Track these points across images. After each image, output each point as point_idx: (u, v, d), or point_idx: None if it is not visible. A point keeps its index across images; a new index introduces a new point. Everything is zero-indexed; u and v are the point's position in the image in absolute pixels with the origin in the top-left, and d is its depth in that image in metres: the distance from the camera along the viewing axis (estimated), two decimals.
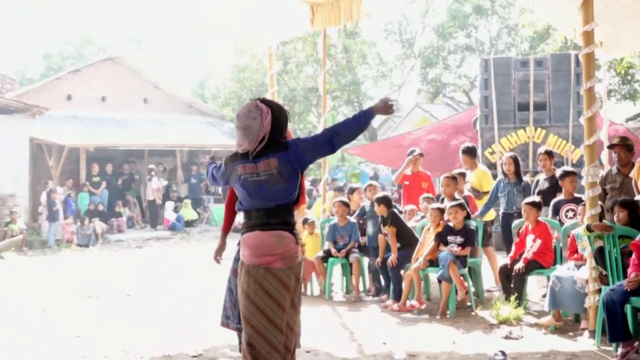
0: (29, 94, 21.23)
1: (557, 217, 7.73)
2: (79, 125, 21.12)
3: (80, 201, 19.20)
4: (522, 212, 7.58)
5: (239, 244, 4.67)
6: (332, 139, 4.27)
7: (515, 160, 8.87)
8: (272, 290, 4.20)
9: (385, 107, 4.38)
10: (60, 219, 17.80)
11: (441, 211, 8.06)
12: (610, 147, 7.77)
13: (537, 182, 8.69)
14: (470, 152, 9.71)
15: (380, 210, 8.38)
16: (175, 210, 20.50)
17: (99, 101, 22.92)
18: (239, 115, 4.38)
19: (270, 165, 4.25)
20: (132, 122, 22.64)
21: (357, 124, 4.30)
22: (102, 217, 18.84)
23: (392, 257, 8.15)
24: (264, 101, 4.44)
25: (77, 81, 22.69)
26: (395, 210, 8.53)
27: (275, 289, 4.22)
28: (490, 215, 9.17)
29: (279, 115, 4.40)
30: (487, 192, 9.17)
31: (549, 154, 8.69)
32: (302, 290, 9.10)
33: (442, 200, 8.59)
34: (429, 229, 8.12)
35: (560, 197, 7.88)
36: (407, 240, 8.22)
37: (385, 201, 8.44)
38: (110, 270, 12.34)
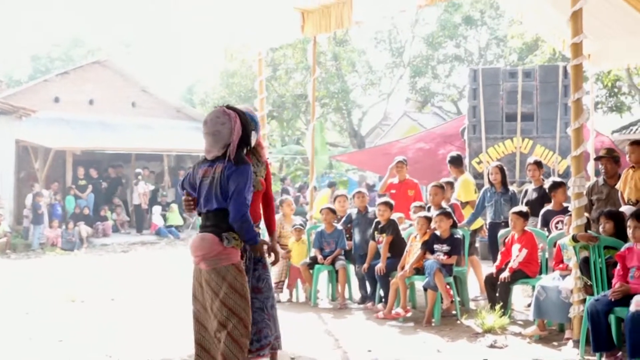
0: (16, 96, 21.10)
1: (547, 228, 7.75)
2: (66, 128, 21.02)
3: (66, 205, 19.10)
4: (509, 222, 7.61)
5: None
6: (244, 211, 4.51)
7: (501, 169, 8.93)
8: (204, 287, 4.65)
9: (261, 252, 4.94)
10: (45, 222, 17.69)
11: (428, 220, 8.08)
12: (597, 159, 7.84)
13: (526, 191, 8.72)
14: (455, 162, 9.74)
15: (384, 216, 8.36)
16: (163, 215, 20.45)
17: (87, 104, 22.82)
18: (207, 121, 4.67)
19: (216, 171, 4.58)
20: (120, 125, 22.57)
21: (244, 233, 4.61)
22: (88, 221, 18.76)
23: (381, 265, 8.15)
24: (231, 107, 4.69)
25: (65, 84, 22.58)
26: (395, 219, 8.53)
27: (205, 290, 4.64)
28: (477, 224, 9.21)
29: (245, 122, 4.73)
30: (468, 202, 9.23)
31: (538, 164, 8.74)
32: (289, 297, 9.15)
33: (429, 208, 8.62)
34: (415, 237, 8.14)
35: (550, 207, 7.90)
36: (398, 250, 8.23)
37: (391, 208, 8.46)
38: (95, 274, 12.27)
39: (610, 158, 7.59)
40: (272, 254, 5.26)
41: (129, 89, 23.88)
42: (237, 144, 4.62)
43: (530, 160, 8.91)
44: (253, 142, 4.91)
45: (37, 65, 39.23)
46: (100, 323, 7.79)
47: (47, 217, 17.86)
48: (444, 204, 8.53)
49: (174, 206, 20.63)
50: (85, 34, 41.35)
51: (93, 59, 26.22)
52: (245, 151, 4.80)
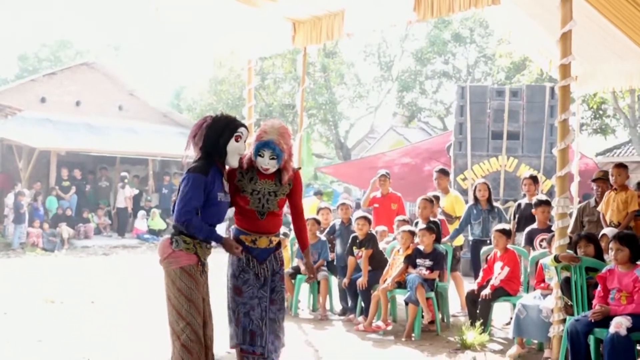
0: (2, 94, 20.97)
1: (531, 246, 7.77)
2: (52, 129, 20.92)
3: (49, 205, 18.98)
4: (492, 239, 7.64)
5: (239, 259, 4.92)
6: (182, 219, 4.51)
7: (488, 187, 8.96)
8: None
9: (232, 250, 4.74)
10: (26, 222, 17.55)
11: (412, 234, 8.10)
12: (594, 180, 7.93)
13: (519, 205, 8.65)
14: (447, 173, 9.79)
15: (363, 231, 8.37)
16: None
17: (73, 105, 22.73)
18: None
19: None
20: (106, 128, 22.48)
21: (197, 233, 4.57)
22: (70, 222, 18.63)
23: (363, 280, 8.16)
24: (217, 116, 4.80)
25: (52, 84, 22.49)
26: (374, 233, 8.54)
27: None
28: (459, 240, 9.25)
29: (211, 127, 4.70)
30: (459, 217, 9.23)
31: (534, 179, 8.69)
32: None
33: (417, 223, 8.60)
34: (398, 250, 8.15)
35: (535, 226, 7.92)
36: (378, 263, 8.24)
37: (369, 223, 8.48)
38: (75, 276, 12.18)
39: (606, 180, 7.66)
40: (307, 271, 5.38)
41: (116, 92, 23.82)
42: (196, 147, 4.68)
43: (526, 174, 8.88)
44: (234, 151, 4.73)
45: (25, 65, 39.05)
46: (80, 325, 7.74)
47: (28, 217, 17.71)
48: (432, 218, 8.51)
49: (156, 211, 20.54)
50: (74, 35, 41.35)
51: (81, 60, 26.17)
52: (215, 157, 4.70)
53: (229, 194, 4.85)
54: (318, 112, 28.11)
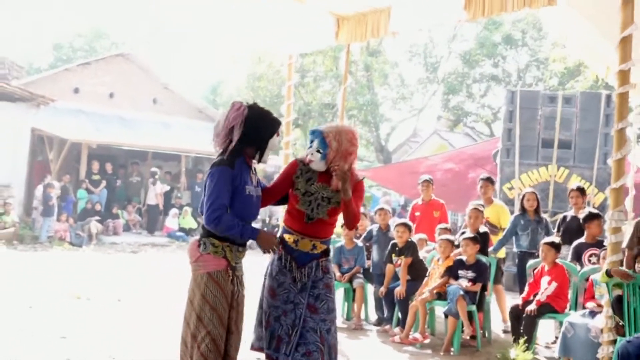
0: (36, 84, 21.36)
1: (578, 262, 7.66)
2: (84, 120, 21.23)
3: (78, 199, 19.22)
4: (540, 252, 7.54)
5: (280, 257, 4.83)
6: (212, 216, 4.37)
7: (537, 197, 8.85)
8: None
9: (269, 245, 4.59)
10: (54, 215, 17.82)
11: (451, 243, 8.04)
12: None
13: (564, 218, 8.57)
14: (493, 182, 9.68)
15: (402, 238, 8.33)
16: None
17: (107, 97, 23.05)
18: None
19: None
20: (139, 121, 22.75)
21: (229, 231, 4.42)
22: (99, 217, 18.85)
23: (401, 289, 8.12)
24: (251, 104, 4.66)
25: (86, 75, 22.84)
26: (414, 240, 8.50)
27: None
28: (502, 252, 9.12)
29: (255, 117, 4.57)
30: (503, 229, 9.13)
31: (582, 191, 8.61)
32: None
33: (463, 232, 8.49)
34: (437, 260, 8.10)
35: (582, 240, 7.79)
36: (417, 272, 8.19)
37: (410, 230, 8.44)
38: (103, 273, 12.33)
39: None
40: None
41: (151, 85, 24.10)
42: (230, 138, 4.51)
43: (574, 186, 8.79)
44: (272, 146, 4.67)
45: (59, 54, 39.68)
46: (105, 323, 7.83)
47: (57, 210, 17.98)
48: (481, 229, 8.40)
49: (188, 209, 20.69)
50: (110, 26, 41.85)
51: (116, 51, 26.52)
52: (255, 153, 4.64)
53: (260, 187, 4.76)
54: (359, 113, 28.07)
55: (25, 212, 18.89)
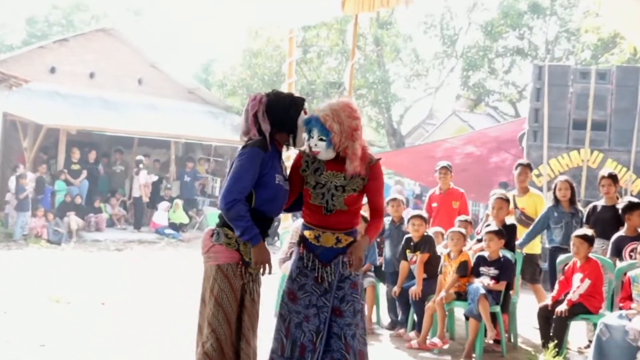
0: (7, 63, 21.35)
1: (619, 257, 7.63)
2: (62, 103, 21.25)
3: (56, 191, 19.24)
4: (571, 246, 7.54)
5: (300, 257, 4.88)
6: (227, 199, 4.49)
7: (571, 185, 8.76)
8: None
9: (261, 259, 4.59)
10: (29, 209, 17.84)
11: (463, 235, 8.04)
12: None
13: (594, 208, 8.50)
14: (532, 169, 9.63)
15: (419, 232, 8.34)
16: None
17: (87, 77, 23.04)
18: None
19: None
20: (123, 104, 22.77)
21: (236, 221, 4.50)
22: (79, 212, 18.90)
23: (416, 289, 8.12)
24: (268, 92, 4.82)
25: (63, 52, 22.83)
26: (431, 234, 8.50)
27: None
28: (535, 248, 9.07)
29: (275, 101, 4.72)
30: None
31: (614, 178, 8.50)
32: None
33: (488, 225, 8.47)
34: (448, 255, 8.08)
35: (622, 233, 7.76)
36: (435, 270, 8.19)
37: (426, 223, 8.44)
38: (84, 273, 12.38)
39: None
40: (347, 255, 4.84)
41: (136, 64, 24.09)
42: (264, 123, 4.65)
43: (604, 172, 8.65)
44: (303, 126, 4.75)
45: (33, 30, 39.62)
46: (88, 329, 7.87)
47: (32, 204, 18.02)
48: (507, 221, 8.37)
49: (179, 202, 20.71)
50: None
51: (97, 26, 26.50)
52: (285, 137, 4.77)
53: (289, 182, 4.83)
54: (368, 92, 28.00)
55: None
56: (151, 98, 23.79)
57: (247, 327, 4.61)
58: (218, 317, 4.52)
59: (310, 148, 4.74)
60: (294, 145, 4.78)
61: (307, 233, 4.87)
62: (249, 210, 4.51)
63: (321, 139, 4.65)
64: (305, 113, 4.74)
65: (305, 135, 4.76)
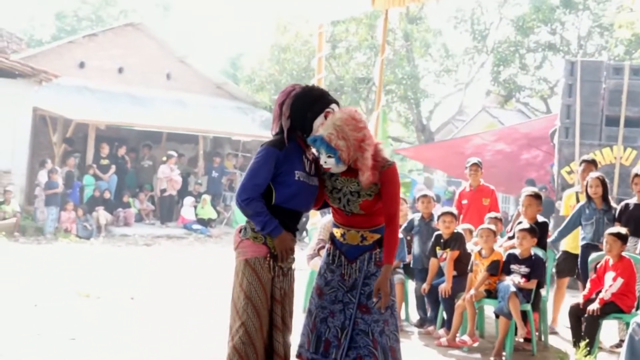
0: (37, 58, 21.53)
1: None
2: (91, 98, 21.41)
3: (85, 186, 19.40)
4: (604, 244, 7.50)
5: (328, 253, 4.92)
6: (242, 197, 4.61)
7: (603, 182, 8.67)
8: None
9: (282, 247, 4.65)
10: (59, 203, 18.01)
11: (493, 232, 8.02)
12: None
13: (626, 206, 8.44)
14: (596, 166, 9.52)
15: (450, 229, 8.33)
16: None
17: (116, 72, 23.19)
18: None
19: None
20: (151, 99, 22.89)
21: (254, 217, 4.62)
22: (108, 207, 19.05)
23: (446, 286, 8.12)
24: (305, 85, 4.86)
25: (92, 47, 22.98)
26: (461, 231, 8.48)
27: None
28: (576, 247, 8.98)
29: (301, 96, 4.74)
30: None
31: None
32: None
33: (520, 222, 8.44)
34: (479, 253, 8.07)
35: None
36: (465, 267, 8.18)
37: (456, 219, 8.43)
38: (113, 268, 12.50)
39: None
40: (375, 291, 4.72)
41: (164, 59, 24.20)
42: (280, 122, 4.72)
43: (637, 170, 8.58)
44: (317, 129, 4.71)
45: (62, 25, 39.96)
46: (117, 323, 7.96)
47: (60, 199, 18.20)
48: (539, 218, 8.33)
49: (207, 197, 20.78)
50: None
51: (126, 21, 26.63)
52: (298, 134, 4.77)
53: (316, 177, 4.82)
54: (397, 87, 27.94)
55: (27, 201, 19.14)
56: (179, 93, 23.91)
57: (279, 318, 4.67)
58: (247, 311, 4.56)
59: (321, 164, 4.69)
60: (306, 145, 4.76)
61: (335, 231, 4.93)
62: (264, 205, 4.58)
63: (330, 157, 4.61)
64: (326, 116, 4.69)
65: (314, 151, 4.77)
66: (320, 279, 4.90)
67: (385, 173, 4.72)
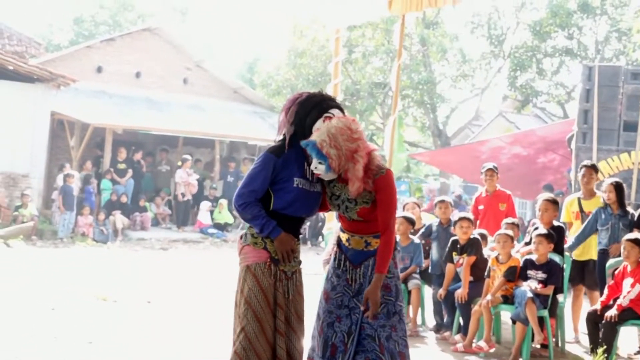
0: (55, 62, 21.70)
1: None
2: (108, 103, 21.53)
3: (102, 189, 19.49)
4: (622, 250, 7.46)
5: (335, 258, 4.90)
6: (237, 202, 4.67)
7: (617, 187, 8.61)
8: None
9: (283, 248, 4.64)
10: (75, 208, 18.10)
11: (511, 237, 8.00)
12: None
13: None
14: (597, 170, 9.48)
15: (467, 234, 8.31)
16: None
17: (133, 77, 23.32)
18: None
19: None
20: (168, 104, 23.00)
21: (252, 221, 4.66)
22: (124, 211, 19.13)
23: (462, 292, 8.10)
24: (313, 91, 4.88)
25: (109, 52, 23.14)
26: (478, 237, 8.45)
27: None
28: (588, 252, 8.92)
29: (304, 102, 4.77)
30: None
31: None
32: None
33: (536, 228, 8.40)
34: (496, 258, 8.04)
35: None
36: (481, 272, 8.15)
37: (473, 225, 8.41)
38: (130, 272, 12.56)
39: None
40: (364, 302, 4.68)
41: (181, 63, 24.32)
42: (288, 123, 4.75)
43: None
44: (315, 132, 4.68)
45: (80, 30, 40.17)
46: (134, 327, 7.99)
47: (77, 203, 18.29)
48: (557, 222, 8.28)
49: (224, 202, 20.81)
50: None
51: (143, 25, 26.74)
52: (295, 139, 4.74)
53: (320, 184, 4.81)
54: (413, 92, 27.90)
55: (44, 205, 19.26)
56: (196, 98, 24.00)
57: (282, 324, 4.64)
58: (247, 316, 4.57)
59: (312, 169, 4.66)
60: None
61: (341, 235, 4.93)
62: (262, 209, 4.62)
63: (320, 163, 4.58)
64: (326, 121, 4.66)
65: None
66: (327, 283, 4.89)
67: (379, 181, 4.67)
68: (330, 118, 4.71)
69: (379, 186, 4.66)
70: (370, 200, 4.68)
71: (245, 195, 4.61)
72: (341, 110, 4.81)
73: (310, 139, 4.62)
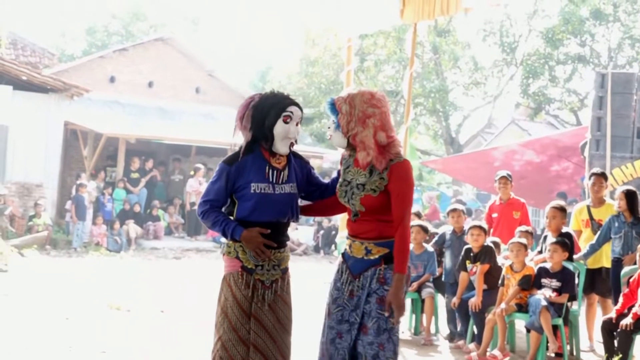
0: (68, 72, 21.85)
1: None
2: (121, 112, 21.63)
3: (115, 199, 19.55)
4: (637, 258, 7.42)
5: (337, 268, 4.69)
6: (198, 212, 4.72)
7: (628, 195, 8.52)
8: None
9: (252, 245, 4.52)
10: (89, 217, 18.17)
11: (524, 246, 7.97)
12: None
13: None
14: (607, 178, 9.45)
15: (478, 242, 8.28)
16: None
17: (145, 87, 23.43)
18: None
19: None
20: (181, 113, 23.08)
21: (214, 227, 4.65)
22: (138, 220, 19.18)
23: (476, 300, 8.06)
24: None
25: (122, 62, 23.27)
26: (491, 245, 8.42)
27: None
28: (600, 260, 8.88)
29: (260, 103, 4.64)
30: None
31: None
32: None
33: (546, 237, 8.39)
34: (510, 267, 8.00)
35: None
36: (495, 280, 8.12)
37: (485, 233, 8.39)
38: (143, 281, 12.58)
39: None
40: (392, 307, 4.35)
41: (194, 72, 24.40)
42: (245, 130, 4.64)
43: None
44: (283, 135, 4.57)
45: (93, 40, 40.41)
46: (148, 336, 8.00)
47: (92, 212, 18.36)
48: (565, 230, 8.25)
49: None
50: (148, 6, 42.33)
51: (155, 35, 26.87)
52: (260, 144, 4.64)
53: (290, 185, 4.66)
54: (425, 100, 27.92)
55: (58, 215, 19.33)
56: (208, 107, 24.07)
57: (253, 337, 4.55)
58: (224, 326, 4.59)
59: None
60: (270, 152, 4.62)
61: (346, 242, 4.69)
62: (220, 213, 4.59)
63: (333, 121, 4.47)
64: (287, 121, 4.54)
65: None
66: (329, 296, 4.62)
67: (395, 167, 4.39)
68: (289, 117, 4.56)
69: (394, 173, 4.38)
70: (379, 189, 4.39)
71: (202, 204, 4.62)
72: (299, 107, 4.65)
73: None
